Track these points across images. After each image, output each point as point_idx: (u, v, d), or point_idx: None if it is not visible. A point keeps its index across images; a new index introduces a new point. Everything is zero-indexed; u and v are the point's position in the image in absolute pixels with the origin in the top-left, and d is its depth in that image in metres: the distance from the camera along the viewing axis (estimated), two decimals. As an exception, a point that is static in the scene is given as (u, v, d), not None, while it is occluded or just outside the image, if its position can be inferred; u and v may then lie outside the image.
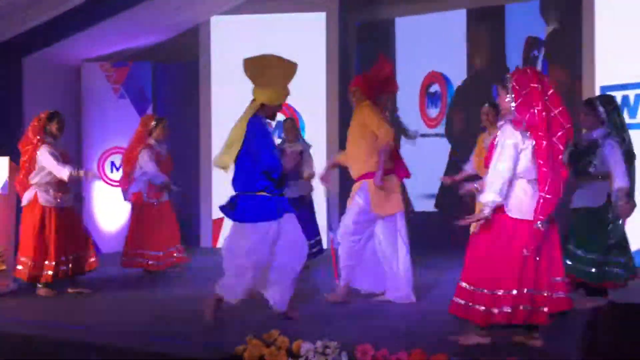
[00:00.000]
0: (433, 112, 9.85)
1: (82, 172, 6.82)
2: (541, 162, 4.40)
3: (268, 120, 5.51)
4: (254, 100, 5.38)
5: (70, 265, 6.82)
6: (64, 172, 6.69)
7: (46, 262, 6.76)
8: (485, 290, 4.46)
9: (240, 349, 4.50)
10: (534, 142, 4.42)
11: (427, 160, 9.15)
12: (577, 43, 8.51)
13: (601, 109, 5.70)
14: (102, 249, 10.17)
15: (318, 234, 8.13)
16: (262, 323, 5.07)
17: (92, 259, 6.97)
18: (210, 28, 10.40)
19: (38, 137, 6.78)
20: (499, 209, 4.50)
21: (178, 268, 7.88)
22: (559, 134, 4.43)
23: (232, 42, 10.28)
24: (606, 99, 5.89)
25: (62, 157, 6.83)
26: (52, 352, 5.12)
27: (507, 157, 4.44)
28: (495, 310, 4.43)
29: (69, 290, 6.89)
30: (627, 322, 3.61)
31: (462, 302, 4.53)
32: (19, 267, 6.82)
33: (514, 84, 4.48)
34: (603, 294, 5.71)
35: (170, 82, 10.67)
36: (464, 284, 4.55)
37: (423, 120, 9.94)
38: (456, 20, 9.64)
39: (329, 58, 10.04)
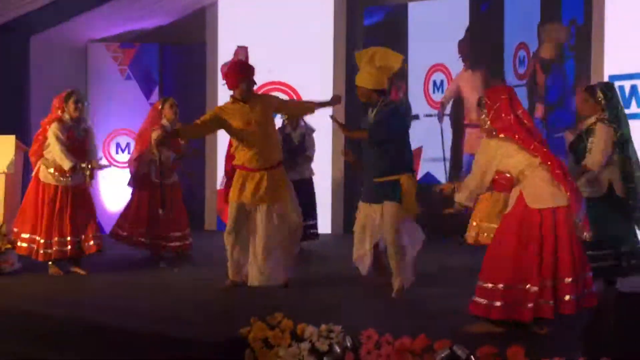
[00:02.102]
0: (438, 96, 9.86)
1: (87, 166, 6.71)
2: (532, 147, 4.59)
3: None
4: None
5: (68, 247, 6.76)
6: (65, 163, 6.65)
7: (39, 240, 6.74)
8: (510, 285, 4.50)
9: (244, 331, 4.51)
10: (514, 137, 4.62)
11: (432, 135, 9.60)
12: (585, 32, 8.46)
13: (600, 95, 5.64)
14: (106, 230, 10.18)
15: (315, 217, 8.15)
16: (267, 306, 5.07)
17: (91, 242, 6.91)
18: (218, 10, 10.35)
19: (57, 114, 6.74)
20: (520, 203, 4.59)
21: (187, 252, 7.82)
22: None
23: (239, 24, 10.23)
24: (606, 86, 5.82)
25: (76, 141, 6.76)
26: (54, 331, 5.14)
27: (477, 172, 4.73)
28: (520, 305, 4.46)
29: (70, 269, 6.89)
30: (634, 312, 3.61)
31: (484, 301, 4.56)
32: (18, 242, 6.81)
33: (487, 100, 4.81)
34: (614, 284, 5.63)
35: (178, 64, 10.64)
36: (486, 284, 4.58)
37: (428, 103, 9.92)
38: (460, 8, 9.59)
39: (336, 41, 9.98)
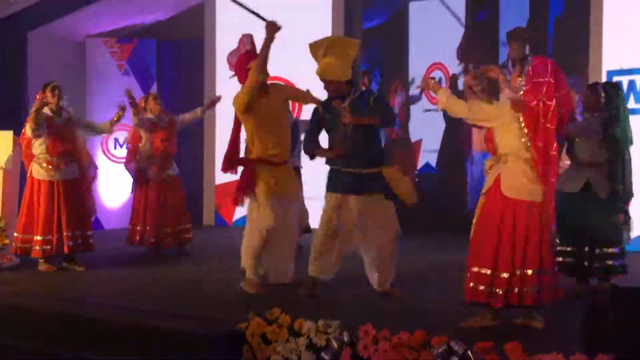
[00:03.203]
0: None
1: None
2: (537, 143, 4.45)
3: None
4: None
5: (64, 243, 6.71)
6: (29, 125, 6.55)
7: (35, 238, 6.71)
8: (489, 271, 4.50)
9: (242, 326, 4.52)
10: (527, 130, 4.46)
11: (430, 128, 9.82)
12: (584, 28, 8.46)
13: (603, 94, 5.61)
14: (104, 225, 10.20)
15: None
16: (265, 301, 5.08)
17: (90, 241, 6.89)
18: (216, 5, 10.35)
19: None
20: (495, 188, 4.53)
21: (187, 247, 7.79)
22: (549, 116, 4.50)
23: (237, 19, 10.19)
24: (610, 85, 5.80)
25: (58, 128, 6.69)
26: (52, 326, 5.15)
27: (478, 109, 4.52)
28: (497, 290, 4.48)
29: (64, 265, 6.88)
30: (630, 307, 3.62)
31: (480, 287, 4.54)
32: (15, 243, 6.78)
33: (530, 69, 4.53)
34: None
35: (176, 59, 10.64)
36: (474, 269, 4.58)
37: (427, 98, 9.96)
38: (457, 6, 9.62)
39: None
